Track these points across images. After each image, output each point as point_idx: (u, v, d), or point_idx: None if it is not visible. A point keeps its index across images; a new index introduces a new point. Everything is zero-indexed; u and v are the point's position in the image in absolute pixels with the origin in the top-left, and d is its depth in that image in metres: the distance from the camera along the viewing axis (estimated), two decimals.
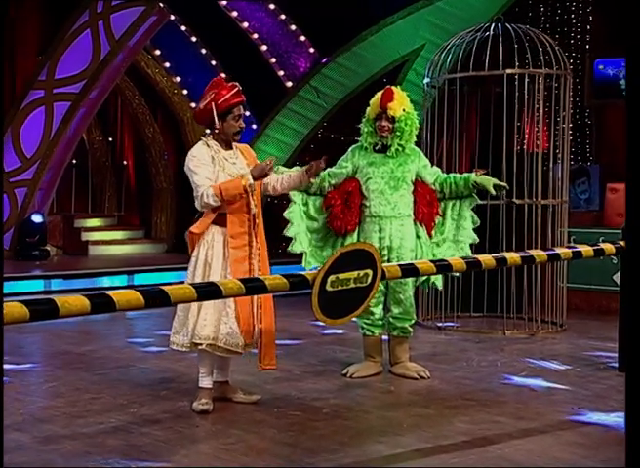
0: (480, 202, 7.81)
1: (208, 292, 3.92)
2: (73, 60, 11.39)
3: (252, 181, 4.72)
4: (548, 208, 8.03)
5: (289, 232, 5.82)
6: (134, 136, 14.12)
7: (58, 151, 11.60)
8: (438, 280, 5.91)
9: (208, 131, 5.06)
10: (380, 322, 5.93)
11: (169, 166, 13.60)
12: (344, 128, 14.48)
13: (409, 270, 4.73)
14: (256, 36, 13.91)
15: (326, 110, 13.24)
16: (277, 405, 5.01)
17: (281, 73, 13.99)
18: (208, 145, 4.89)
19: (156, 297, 3.72)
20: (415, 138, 5.87)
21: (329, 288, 4.16)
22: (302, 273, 4.26)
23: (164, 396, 5.20)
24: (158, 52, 13.37)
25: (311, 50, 14.19)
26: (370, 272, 4.30)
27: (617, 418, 4.70)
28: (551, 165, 8.10)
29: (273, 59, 14.01)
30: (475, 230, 6.09)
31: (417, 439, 4.35)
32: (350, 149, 5.96)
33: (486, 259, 4.88)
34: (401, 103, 5.74)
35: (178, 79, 13.46)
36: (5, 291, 7.89)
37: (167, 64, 13.30)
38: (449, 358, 6.62)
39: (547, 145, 8.79)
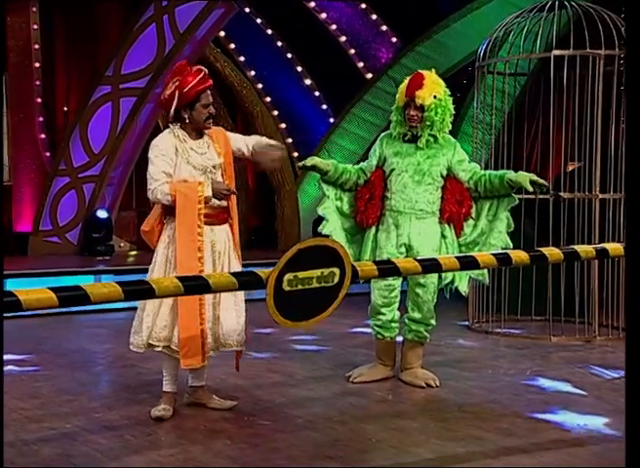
0: (541, 197, 7.34)
1: (137, 291, 3.59)
2: (139, 55, 11.32)
3: (210, 194, 4.40)
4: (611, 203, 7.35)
5: (325, 229, 5.44)
6: None
7: (126, 147, 11.55)
8: (462, 283, 5.38)
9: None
10: (393, 324, 5.47)
11: (242, 162, 13.40)
12: None
13: (387, 270, 4.26)
14: (334, 27, 13.58)
15: None
16: (252, 412, 4.65)
17: (361, 65, 13.62)
18: (174, 134, 4.56)
19: (72, 297, 3.43)
20: (449, 127, 5.35)
21: (286, 287, 3.76)
22: (254, 271, 3.90)
23: (140, 399, 4.93)
24: (233, 45, 13.22)
25: (393, 39, 13.77)
26: (337, 271, 3.88)
27: (620, 439, 4.14)
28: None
29: (352, 51, 13.66)
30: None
31: (377, 455, 3.93)
32: (379, 138, 5.52)
33: (485, 258, 4.36)
34: (431, 90, 5.22)
35: (252, 73, 13.27)
36: (52, 285, 7.63)
37: (242, 58, 13.11)
38: (476, 365, 6.10)
39: None
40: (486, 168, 7.35)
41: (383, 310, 5.43)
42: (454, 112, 5.37)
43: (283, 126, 13.31)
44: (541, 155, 8.23)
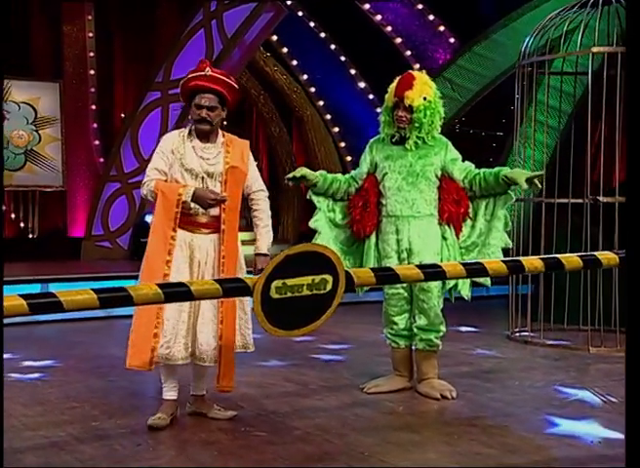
0: (574, 201, 7.08)
1: (113, 298, 3.50)
2: (188, 61, 11.27)
3: (189, 199, 4.28)
4: None
5: (317, 242, 5.30)
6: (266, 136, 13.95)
7: None
8: (464, 288, 5.19)
9: None
10: (406, 333, 5.32)
11: (296, 165, 13.34)
12: (485, 122, 13.70)
13: (385, 277, 4.08)
14: (389, 29, 13.41)
15: (461, 103, 12.53)
16: (251, 423, 4.52)
17: (417, 66, 13.38)
18: (180, 133, 4.49)
19: (44, 305, 3.36)
20: (439, 129, 5.19)
21: (275, 295, 3.63)
22: (241, 277, 3.79)
23: (146, 407, 4.81)
24: (285, 49, 13.14)
25: (451, 40, 13.53)
26: (329, 278, 3.73)
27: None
28: None
29: (408, 52, 13.47)
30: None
31: None
32: (369, 144, 5.39)
33: (494, 265, 4.14)
34: (421, 91, 5.08)
35: (305, 77, 13.16)
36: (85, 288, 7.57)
37: (294, 62, 13.03)
38: (503, 376, 5.87)
39: None
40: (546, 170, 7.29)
41: (395, 319, 5.30)
42: (442, 115, 5.20)
43: (336, 130, 13.17)
44: (606, 158, 7.94)
